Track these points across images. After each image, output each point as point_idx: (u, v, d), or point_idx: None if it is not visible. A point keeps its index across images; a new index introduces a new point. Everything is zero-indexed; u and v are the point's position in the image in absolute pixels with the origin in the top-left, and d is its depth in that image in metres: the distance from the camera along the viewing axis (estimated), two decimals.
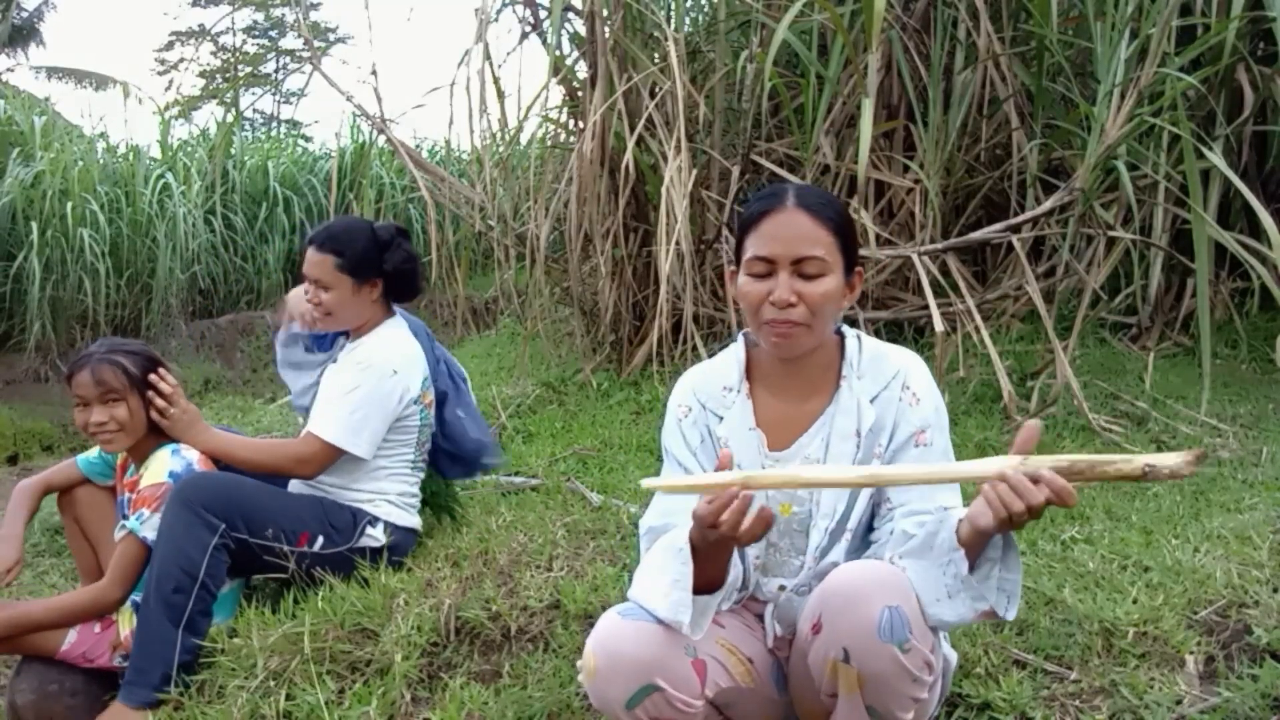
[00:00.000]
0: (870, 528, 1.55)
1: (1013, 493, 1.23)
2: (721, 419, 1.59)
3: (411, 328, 2.56)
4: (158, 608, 2.09)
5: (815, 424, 1.55)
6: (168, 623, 2.09)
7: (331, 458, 2.31)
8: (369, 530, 2.38)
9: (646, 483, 1.36)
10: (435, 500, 2.74)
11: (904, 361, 1.56)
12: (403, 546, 2.44)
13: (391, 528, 2.41)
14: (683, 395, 1.64)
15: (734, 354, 1.63)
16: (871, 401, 1.53)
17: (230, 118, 12.54)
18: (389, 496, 2.44)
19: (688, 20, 4.62)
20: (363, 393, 2.33)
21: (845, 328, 1.61)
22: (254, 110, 26.28)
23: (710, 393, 1.61)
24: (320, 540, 2.31)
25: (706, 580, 1.41)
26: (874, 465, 1.47)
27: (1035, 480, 1.23)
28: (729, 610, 1.61)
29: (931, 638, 1.34)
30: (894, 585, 1.32)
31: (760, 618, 1.61)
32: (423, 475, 2.56)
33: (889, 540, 1.48)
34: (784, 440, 1.56)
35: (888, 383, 1.54)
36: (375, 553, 2.36)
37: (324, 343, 2.61)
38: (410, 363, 2.43)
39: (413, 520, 2.48)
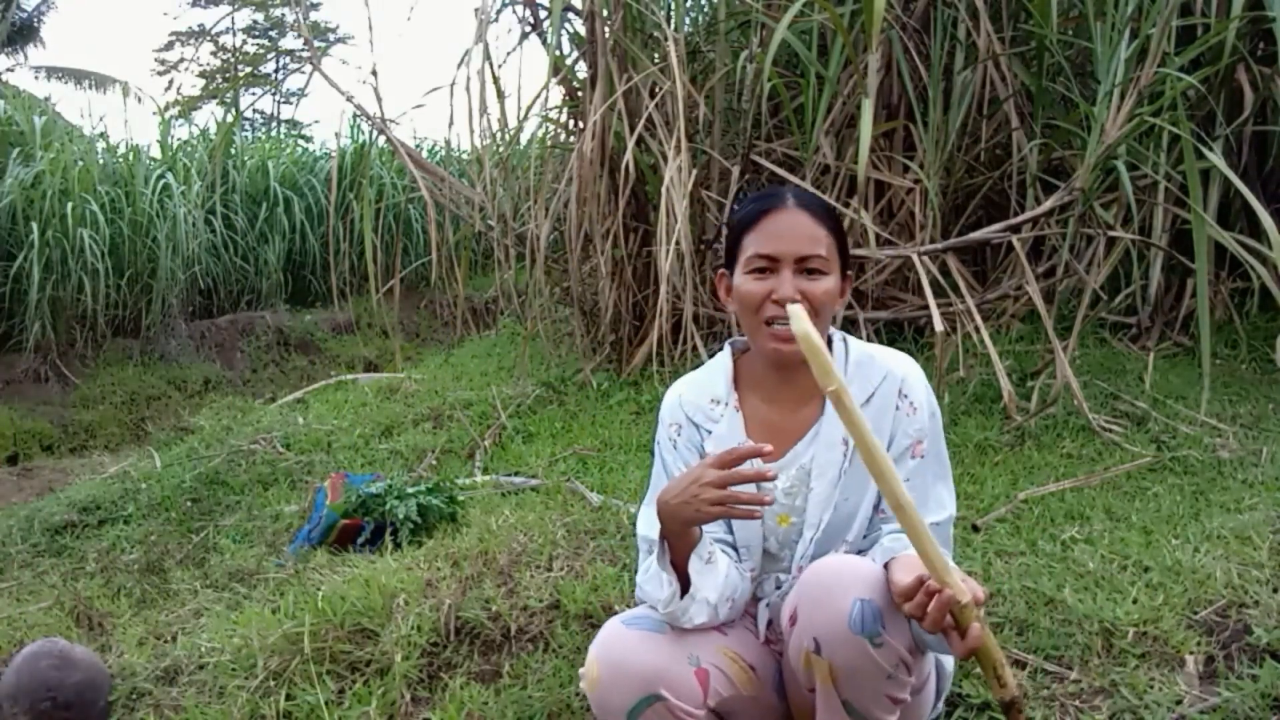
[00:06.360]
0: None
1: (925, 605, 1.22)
2: (710, 433, 1.56)
3: None
4: None
5: (809, 432, 1.54)
6: None
7: None
8: None
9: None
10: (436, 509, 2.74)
11: (896, 365, 1.54)
12: None
13: None
14: (672, 411, 1.61)
15: (720, 364, 1.61)
16: (862, 407, 1.50)
17: (230, 118, 12.54)
18: None
19: (688, 20, 4.61)
20: None
21: (832, 331, 1.59)
22: (254, 110, 26.32)
23: (698, 405, 1.59)
24: None
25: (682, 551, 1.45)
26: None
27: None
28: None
29: (909, 637, 1.32)
30: (868, 578, 1.31)
31: (756, 617, 1.61)
32: None
33: (872, 550, 1.49)
34: (777, 450, 1.52)
35: (877, 387, 1.51)
36: None
37: None
38: None
39: None
